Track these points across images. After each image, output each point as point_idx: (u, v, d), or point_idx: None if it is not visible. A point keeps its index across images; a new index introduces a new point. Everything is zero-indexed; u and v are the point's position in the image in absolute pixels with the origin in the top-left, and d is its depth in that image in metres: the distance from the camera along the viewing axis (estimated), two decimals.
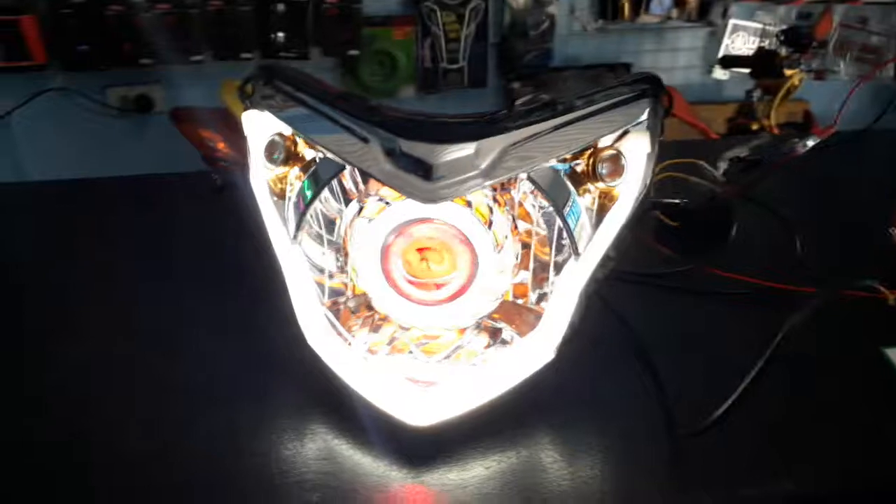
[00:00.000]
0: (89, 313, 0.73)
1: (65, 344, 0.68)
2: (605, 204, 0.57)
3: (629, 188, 0.56)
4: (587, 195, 0.57)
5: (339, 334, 0.60)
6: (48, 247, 0.88)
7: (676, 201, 0.90)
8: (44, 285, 0.79)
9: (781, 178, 1.03)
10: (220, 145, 1.03)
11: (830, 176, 1.12)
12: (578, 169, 0.57)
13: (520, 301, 0.63)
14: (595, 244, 0.56)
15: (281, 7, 2.03)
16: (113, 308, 0.74)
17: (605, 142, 0.57)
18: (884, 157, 1.25)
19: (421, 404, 0.55)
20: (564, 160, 0.56)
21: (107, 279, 0.79)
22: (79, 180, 1.07)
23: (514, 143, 0.54)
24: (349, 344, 0.59)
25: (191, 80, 2.00)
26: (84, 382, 0.64)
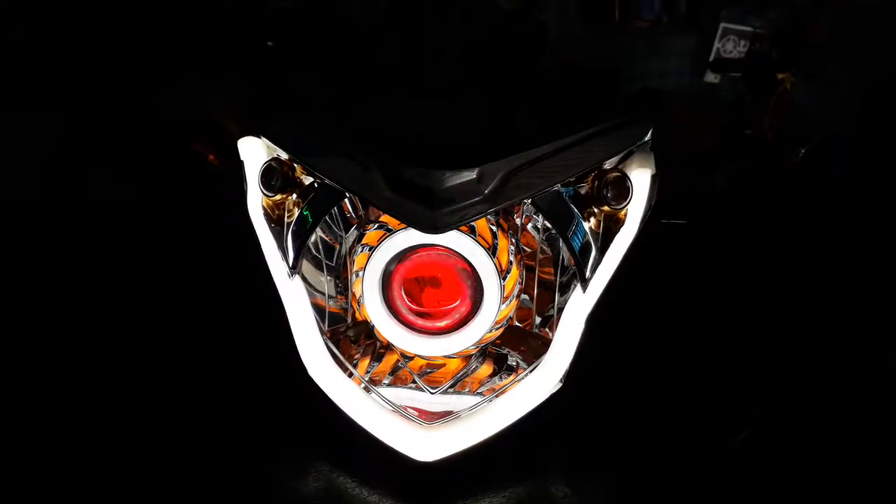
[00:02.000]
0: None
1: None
2: (610, 227, 0.55)
3: (635, 210, 0.55)
4: (592, 218, 0.56)
5: (340, 365, 0.58)
6: None
7: None
8: None
9: None
10: None
11: None
12: (583, 192, 0.56)
13: (524, 325, 0.62)
14: (602, 269, 0.55)
15: None
16: (106, 327, 0.72)
17: (608, 164, 0.56)
18: None
19: (425, 438, 0.54)
20: (568, 183, 0.55)
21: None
22: None
23: (518, 167, 0.53)
24: (349, 374, 0.57)
25: None
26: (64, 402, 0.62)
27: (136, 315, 0.75)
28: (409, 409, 0.56)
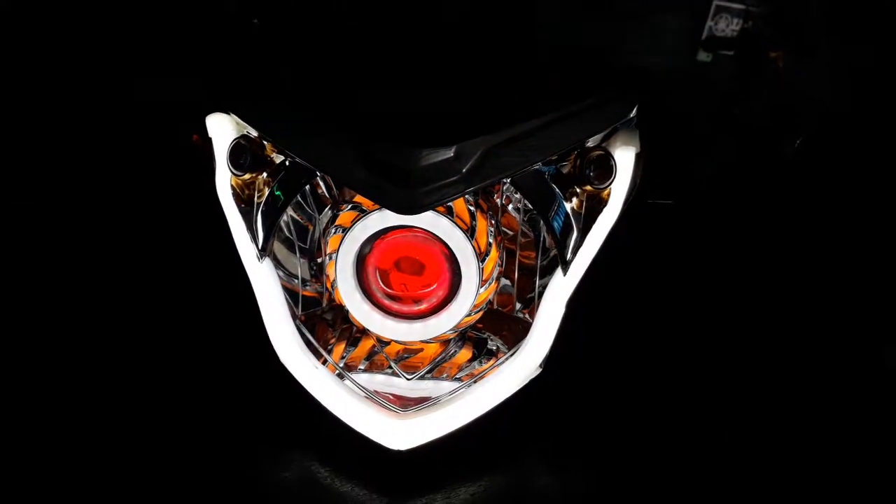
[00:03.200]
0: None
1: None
2: (593, 207, 0.53)
3: (619, 190, 0.53)
4: (574, 198, 0.53)
5: (314, 350, 0.56)
6: None
7: None
8: None
9: None
10: None
11: None
12: (564, 171, 0.53)
13: (504, 309, 0.60)
14: (583, 251, 0.53)
15: None
16: (85, 324, 0.70)
17: (592, 142, 0.53)
18: None
19: (399, 426, 0.52)
20: (550, 161, 0.53)
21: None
22: None
23: (497, 145, 0.51)
24: (324, 361, 0.56)
25: None
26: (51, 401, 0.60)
27: (104, 303, 0.73)
28: (384, 396, 0.54)
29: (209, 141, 0.56)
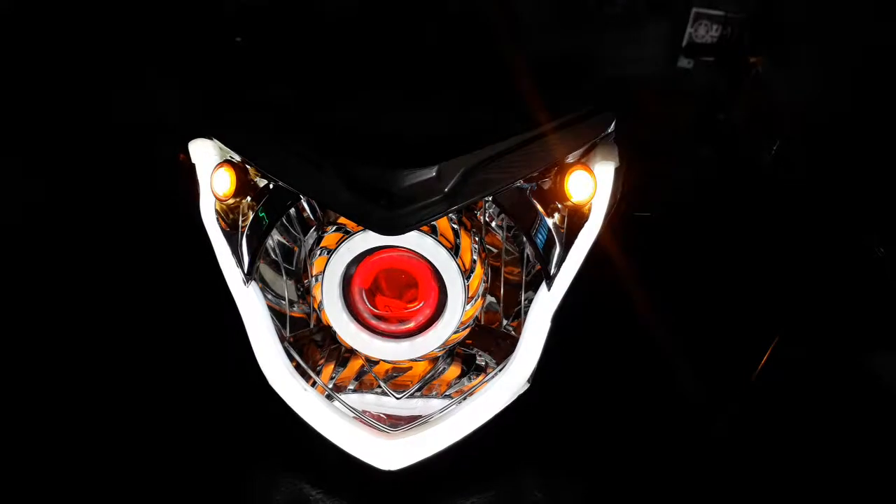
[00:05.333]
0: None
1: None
2: (574, 222, 0.54)
3: (599, 204, 0.54)
4: (556, 214, 0.54)
5: (303, 371, 0.56)
6: None
7: None
8: None
9: None
10: None
11: None
12: (545, 187, 0.54)
13: (492, 325, 0.61)
14: (567, 265, 0.53)
15: None
16: (62, 338, 0.70)
17: (571, 157, 0.54)
18: None
19: (389, 447, 0.52)
20: (530, 179, 0.53)
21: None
22: None
23: (478, 164, 0.51)
24: (312, 382, 0.56)
25: None
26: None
27: (91, 324, 0.72)
28: (373, 416, 0.54)
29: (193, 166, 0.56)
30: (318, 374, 0.57)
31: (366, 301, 0.55)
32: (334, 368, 0.59)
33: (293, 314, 0.60)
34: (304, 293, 0.61)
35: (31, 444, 0.58)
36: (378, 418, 0.54)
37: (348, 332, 0.56)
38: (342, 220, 0.56)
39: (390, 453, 0.52)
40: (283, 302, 0.59)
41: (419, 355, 0.56)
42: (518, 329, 0.57)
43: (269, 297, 0.58)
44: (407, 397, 0.56)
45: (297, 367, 0.56)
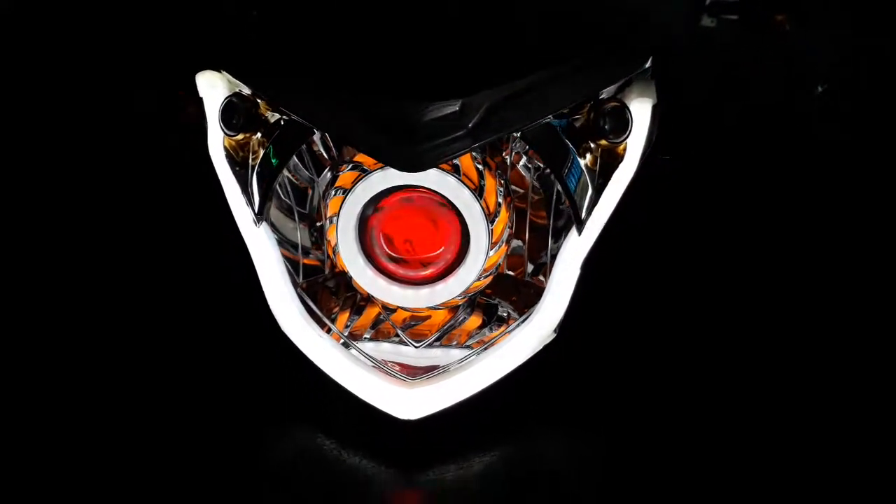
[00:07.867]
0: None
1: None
2: (608, 163, 0.50)
3: (635, 144, 0.50)
4: (588, 154, 0.50)
5: (317, 319, 0.54)
6: None
7: None
8: None
9: None
10: None
11: None
12: (577, 124, 0.50)
13: (516, 273, 0.58)
14: (599, 209, 0.50)
15: None
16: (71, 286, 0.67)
17: (606, 93, 0.50)
18: None
19: (408, 395, 0.50)
20: (561, 115, 0.49)
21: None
22: None
23: (505, 98, 0.48)
24: (328, 330, 0.53)
25: None
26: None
27: (100, 273, 0.70)
28: (391, 365, 0.52)
29: (198, 101, 0.53)
30: (332, 321, 0.54)
31: (384, 244, 0.52)
32: (349, 316, 0.56)
33: (306, 261, 0.57)
34: (318, 238, 0.58)
35: (37, 391, 0.56)
36: (396, 367, 0.52)
37: (365, 276, 0.53)
38: (359, 157, 0.52)
39: (410, 402, 0.50)
40: (296, 248, 0.57)
41: (439, 303, 0.53)
42: (544, 277, 0.54)
43: (281, 242, 0.55)
44: (426, 347, 0.54)
45: (311, 314, 0.54)
